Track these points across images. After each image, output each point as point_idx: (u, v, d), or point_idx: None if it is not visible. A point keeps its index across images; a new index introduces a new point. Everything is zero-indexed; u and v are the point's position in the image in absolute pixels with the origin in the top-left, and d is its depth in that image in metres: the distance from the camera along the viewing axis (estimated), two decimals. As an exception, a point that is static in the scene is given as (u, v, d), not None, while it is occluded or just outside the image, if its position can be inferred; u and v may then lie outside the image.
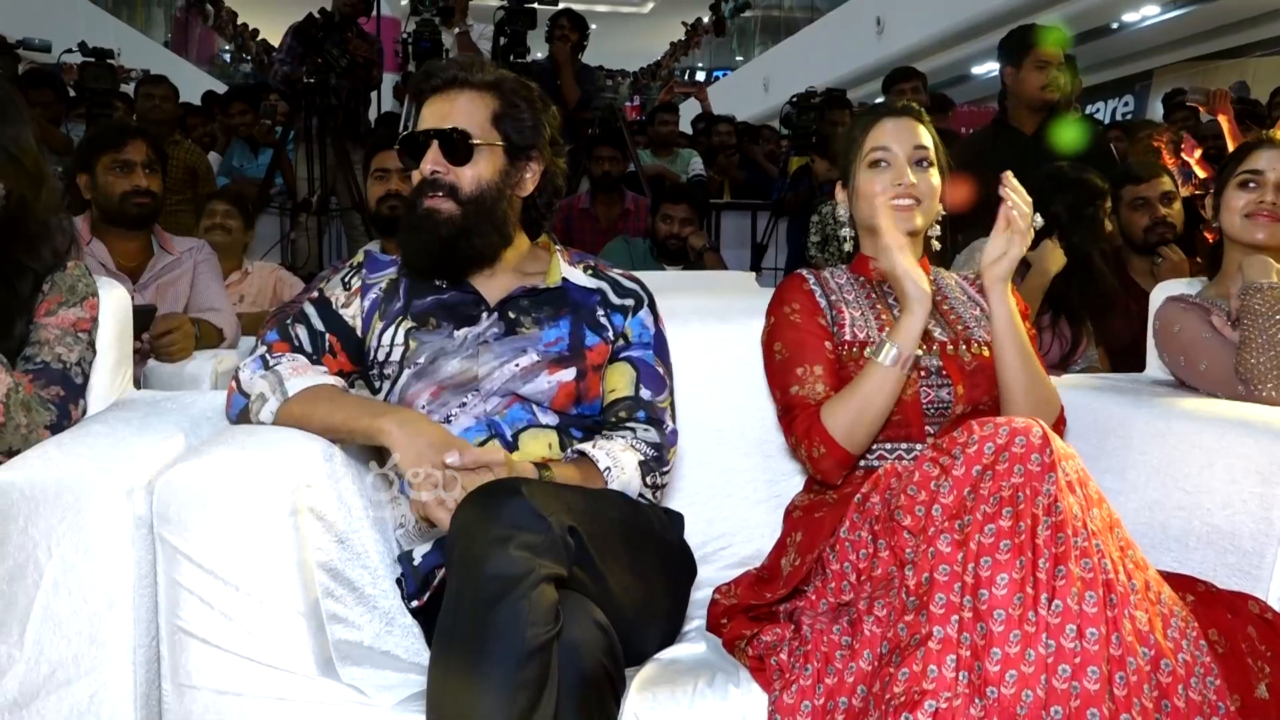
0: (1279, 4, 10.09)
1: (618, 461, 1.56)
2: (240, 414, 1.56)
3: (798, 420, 1.68)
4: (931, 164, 1.78)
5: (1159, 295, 2.14)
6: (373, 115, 6.04)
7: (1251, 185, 1.99)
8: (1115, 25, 10.53)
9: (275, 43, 6.24)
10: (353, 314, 1.67)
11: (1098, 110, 12.50)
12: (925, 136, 1.79)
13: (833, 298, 1.81)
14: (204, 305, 2.72)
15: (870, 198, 1.76)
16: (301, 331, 1.64)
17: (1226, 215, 2.02)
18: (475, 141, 1.62)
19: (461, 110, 1.64)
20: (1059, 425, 1.74)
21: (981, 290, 1.80)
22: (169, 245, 2.77)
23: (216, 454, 1.37)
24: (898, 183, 1.75)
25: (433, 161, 1.62)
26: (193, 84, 12.31)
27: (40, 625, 1.29)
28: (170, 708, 1.31)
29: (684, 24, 18.97)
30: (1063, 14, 10.75)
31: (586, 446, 1.58)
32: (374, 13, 5.51)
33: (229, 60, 19.31)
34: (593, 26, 5.70)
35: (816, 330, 1.76)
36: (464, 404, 1.61)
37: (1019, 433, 1.35)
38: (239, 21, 16.89)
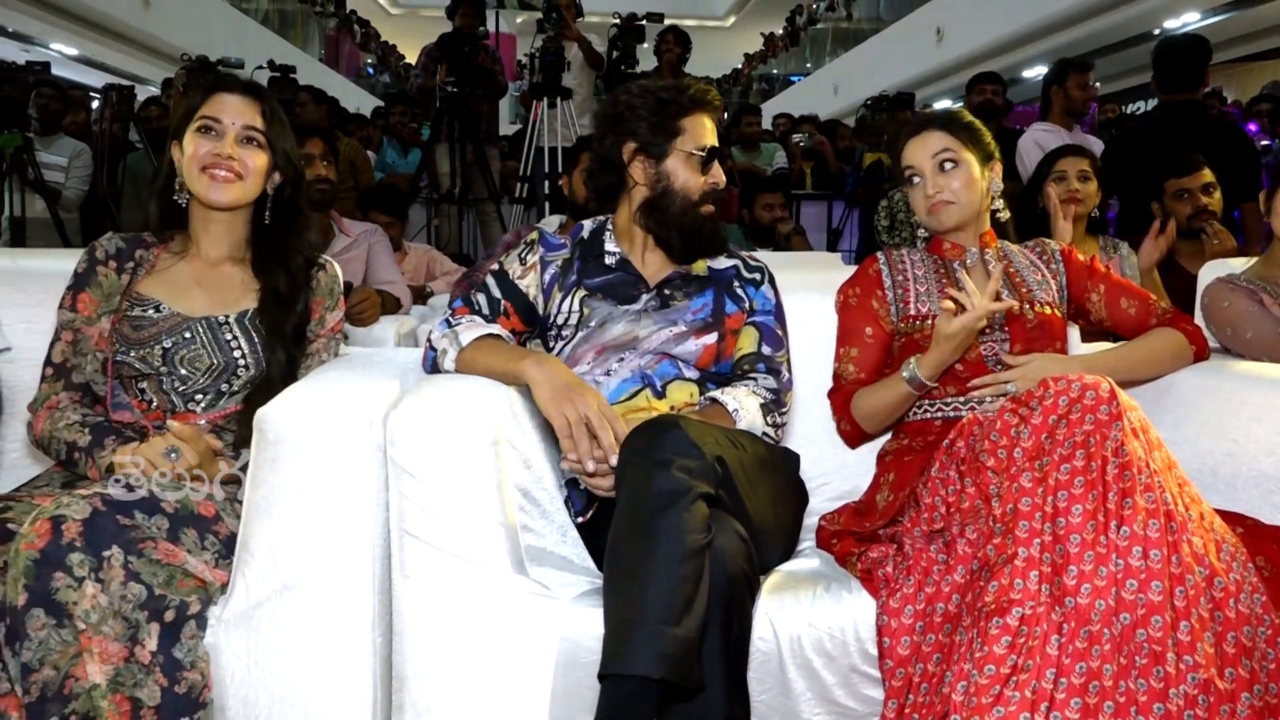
0: (1314, 9, 9.58)
1: (743, 405, 1.64)
2: (431, 365, 1.67)
3: (836, 393, 1.83)
4: (956, 162, 1.77)
5: (1207, 274, 2.13)
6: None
7: None
8: (1157, 31, 10.09)
9: (410, 58, 6.46)
10: (528, 284, 1.75)
11: (1139, 109, 12.02)
12: (944, 140, 1.79)
13: (899, 277, 1.85)
14: (383, 279, 2.84)
15: (916, 211, 1.85)
16: (481, 298, 1.74)
17: (1275, 218, 1.96)
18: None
19: None
20: (1200, 352, 1.79)
21: (1044, 257, 1.86)
22: (345, 228, 2.87)
23: (431, 394, 1.46)
24: (926, 195, 1.79)
25: (721, 175, 1.76)
26: (342, 93, 12.62)
27: (306, 525, 1.40)
28: (399, 594, 1.41)
29: (762, 35, 18.72)
30: (1109, 22, 10.35)
31: (717, 393, 1.67)
32: (495, 29, 5.65)
33: (372, 73, 19.66)
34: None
35: (865, 316, 1.83)
36: (622, 359, 1.70)
37: (1089, 388, 1.36)
38: (381, 39, 17.19)
